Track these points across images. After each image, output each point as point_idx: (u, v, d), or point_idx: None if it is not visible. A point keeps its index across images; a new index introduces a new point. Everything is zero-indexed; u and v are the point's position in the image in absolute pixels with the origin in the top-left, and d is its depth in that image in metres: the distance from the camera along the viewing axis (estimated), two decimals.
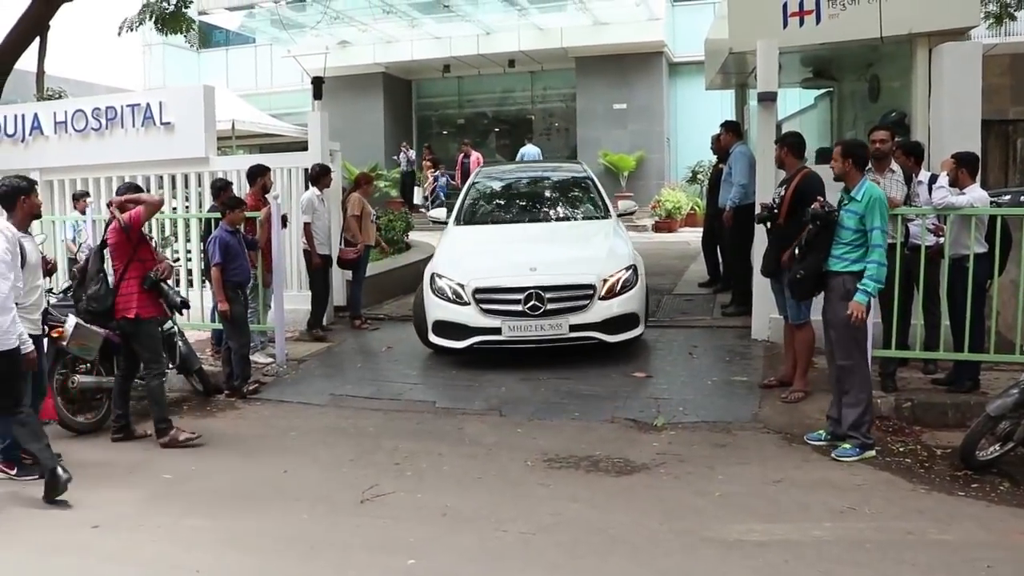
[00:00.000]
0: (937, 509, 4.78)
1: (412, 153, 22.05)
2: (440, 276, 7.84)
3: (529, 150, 20.78)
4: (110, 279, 6.37)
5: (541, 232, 8.88)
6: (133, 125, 10.21)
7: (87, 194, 9.85)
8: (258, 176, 8.83)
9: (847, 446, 5.66)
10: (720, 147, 9.91)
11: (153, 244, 6.82)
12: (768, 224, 6.88)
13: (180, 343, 7.41)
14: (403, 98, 24.86)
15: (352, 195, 9.90)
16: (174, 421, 6.52)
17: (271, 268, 8.52)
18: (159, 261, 6.46)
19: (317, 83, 10.83)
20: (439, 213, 9.82)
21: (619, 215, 9.24)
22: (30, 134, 10.77)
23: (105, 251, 6.47)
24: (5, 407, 5.30)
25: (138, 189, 6.81)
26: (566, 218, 9.28)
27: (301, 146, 11.55)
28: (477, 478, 5.41)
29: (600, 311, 7.54)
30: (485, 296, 7.53)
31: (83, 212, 9.25)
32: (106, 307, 6.26)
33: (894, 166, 6.82)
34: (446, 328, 7.75)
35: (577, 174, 10.14)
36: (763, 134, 8.00)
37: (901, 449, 5.79)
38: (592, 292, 7.52)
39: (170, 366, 7.39)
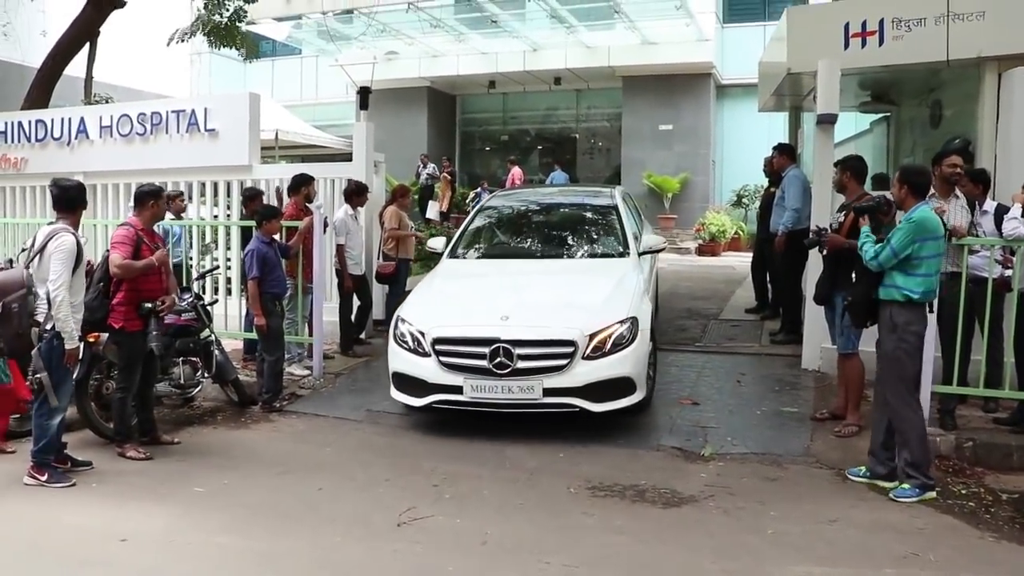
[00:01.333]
0: (1010, 561, 4.50)
1: (432, 167, 21.79)
2: (404, 320, 6.76)
3: (558, 176, 20.64)
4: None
5: (538, 271, 7.66)
6: (178, 131, 10.24)
7: (181, 194, 9.64)
8: (302, 185, 8.76)
9: (906, 486, 5.39)
10: (773, 170, 9.66)
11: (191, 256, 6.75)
12: (819, 249, 6.65)
13: (217, 352, 7.32)
14: (447, 113, 24.91)
15: (388, 208, 9.80)
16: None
17: (311, 277, 8.43)
18: (165, 291, 6.34)
19: (364, 92, 10.80)
20: (437, 243, 8.43)
21: (642, 253, 7.83)
22: (76, 138, 10.90)
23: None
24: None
25: (163, 194, 6.68)
26: (575, 255, 8.01)
27: (344, 157, 11.53)
28: (519, 504, 5.22)
29: (582, 374, 6.24)
30: (446, 348, 6.40)
31: (178, 214, 9.21)
32: (97, 318, 6.12)
33: (959, 192, 6.57)
34: (405, 382, 6.65)
35: (602, 201, 8.79)
36: (820, 157, 7.78)
37: (963, 492, 5.50)
38: (573, 350, 6.24)
39: (205, 375, 7.35)
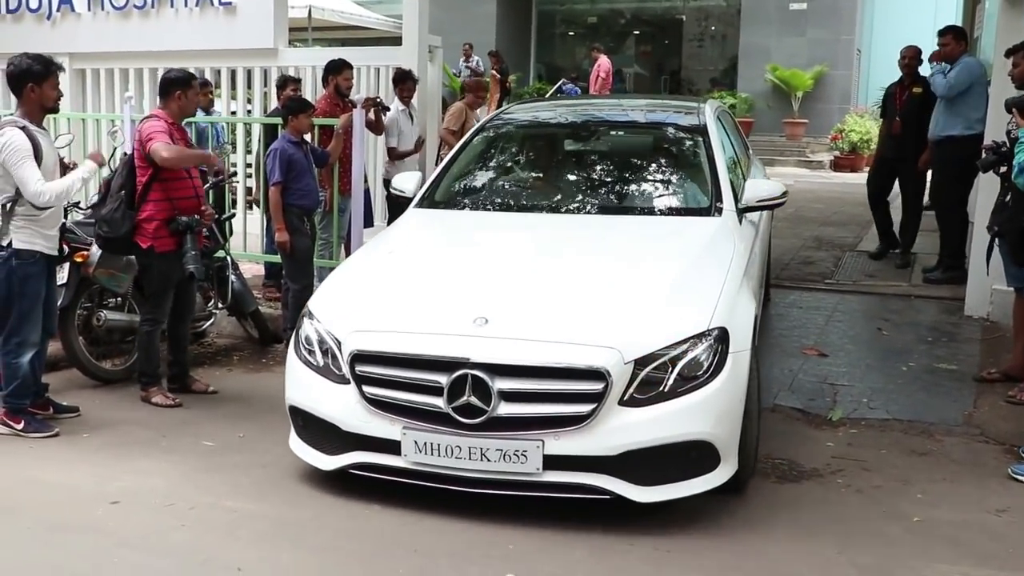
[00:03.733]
0: None
1: (476, 60, 21.25)
2: (312, 316, 4.99)
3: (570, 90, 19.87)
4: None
5: (560, 238, 5.76)
6: (186, 4, 10.19)
7: (208, 84, 9.59)
8: (331, 74, 8.70)
9: None
10: (944, 56, 9.15)
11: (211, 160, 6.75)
12: (996, 171, 6.34)
13: (233, 278, 7.37)
14: None
15: (455, 105, 9.69)
16: (216, 373, 6.50)
17: (349, 188, 8.38)
18: (202, 202, 6.35)
19: None
20: (405, 181, 6.54)
21: (744, 210, 5.90)
22: (58, 10, 10.83)
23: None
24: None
25: (195, 83, 6.58)
26: (628, 209, 6.11)
27: (393, 42, 11.40)
28: None
29: (618, 431, 4.34)
30: (373, 371, 4.56)
31: (207, 109, 9.19)
32: (120, 233, 6.09)
33: None
34: (307, 423, 4.91)
35: (681, 121, 7.01)
36: (1009, 42, 7.36)
37: None
38: (602, 387, 4.29)
39: (219, 306, 7.42)
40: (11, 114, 5.77)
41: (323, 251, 8.33)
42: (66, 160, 6.36)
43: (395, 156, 9.04)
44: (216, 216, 7.00)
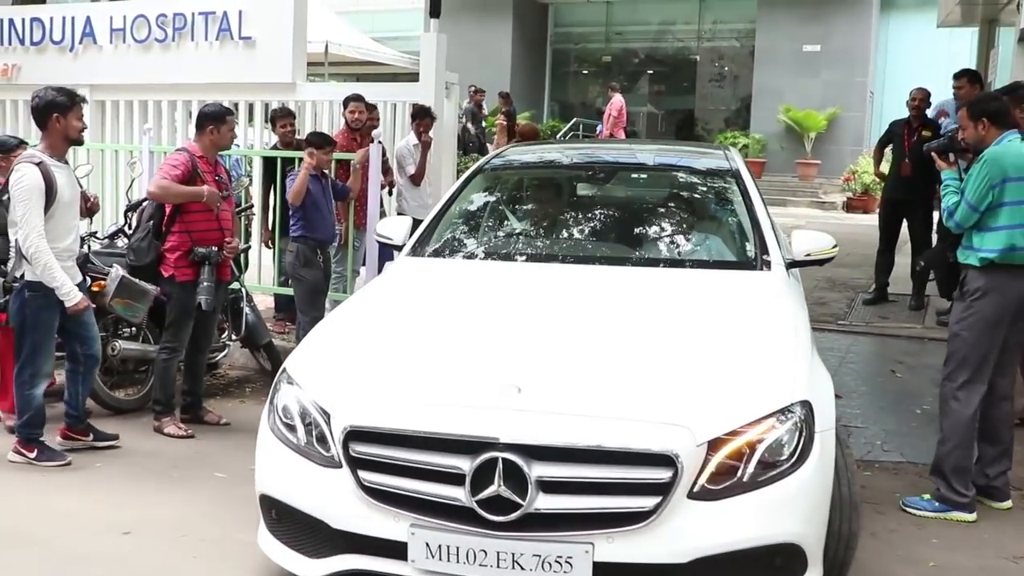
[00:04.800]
0: None
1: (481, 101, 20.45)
2: (291, 380, 4.07)
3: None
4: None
5: (587, 293, 4.84)
6: (206, 38, 10.29)
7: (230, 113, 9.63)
8: (343, 108, 8.82)
9: (926, 496, 5.31)
10: (960, 98, 9.11)
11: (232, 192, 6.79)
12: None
13: (247, 310, 7.38)
14: (537, 26, 24.72)
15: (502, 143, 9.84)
16: (228, 404, 6.52)
17: (364, 222, 8.42)
18: (228, 232, 6.41)
19: None
20: (392, 227, 5.75)
21: (791, 265, 5.13)
22: (80, 42, 10.95)
23: None
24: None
25: (229, 118, 6.60)
26: (660, 260, 5.25)
27: (409, 78, 11.49)
28: None
29: (690, 533, 3.47)
30: (374, 452, 3.65)
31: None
32: (144, 262, 6.26)
33: None
34: (283, 517, 3.96)
35: (710, 164, 6.24)
36: None
37: None
38: (671, 476, 3.42)
39: (233, 338, 7.44)
40: (34, 146, 5.82)
41: (337, 284, 8.36)
42: (87, 191, 6.42)
43: (415, 181, 9.14)
44: (243, 249, 7.08)
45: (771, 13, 21.36)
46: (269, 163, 8.88)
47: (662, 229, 5.67)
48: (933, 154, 5.59)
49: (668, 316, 4.45)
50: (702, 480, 3.45)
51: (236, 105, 10.27)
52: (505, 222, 5.97)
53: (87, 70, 10.84)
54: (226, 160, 8.90)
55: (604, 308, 4.56)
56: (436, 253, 5.39)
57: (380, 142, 8.49)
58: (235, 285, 7.35)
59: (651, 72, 25.16)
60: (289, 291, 8.23)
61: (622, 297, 4.72)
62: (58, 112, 5.57)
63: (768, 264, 4.99)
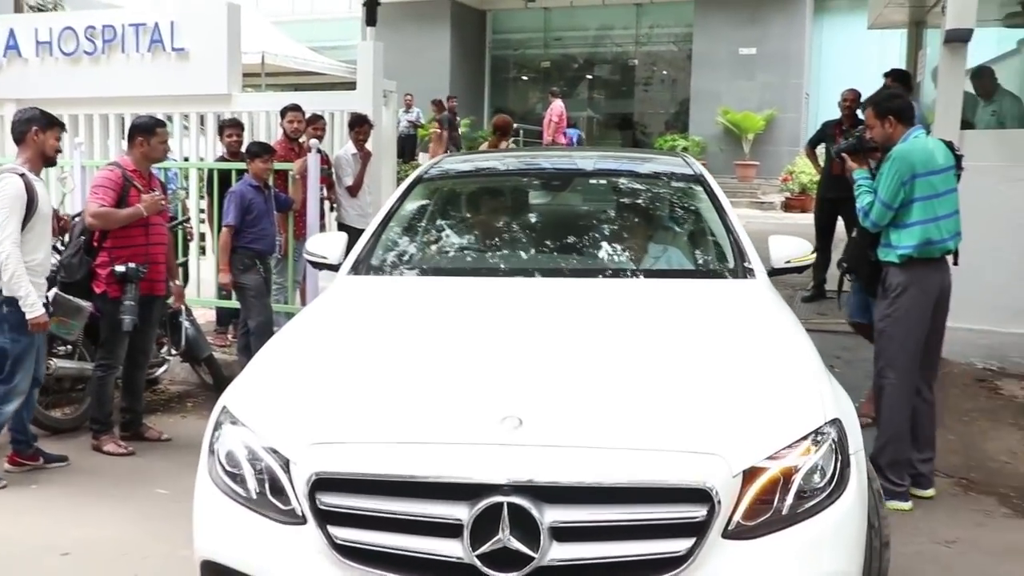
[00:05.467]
0: None
1: (417, 113, 21.03)
2: (234, 419, 3.32)
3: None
4: None
5: (567, 308, 4.19)
6: (137, 49, 10.18)
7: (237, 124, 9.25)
8: (281, 118, 8.76)
9: None
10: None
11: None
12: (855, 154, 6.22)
13: (187, 324, 7.29)
14: (475, 33, 24.74)
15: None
16: (169, 420, 6.44)
17: (303, 235, 8.36)
18: (156, 251, 6.32)
19: (371, 5, 10.65)
20: (323, 245, 5.05)
21: (772, 273, 4.67)
22: (4, 55, 10.75)
23: None
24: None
25: (159, 130, 6.48)
26: (641, 272, 4.66)
27: (347, 87, 11.44)
28: None
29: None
30: (346, 502, 2.98)
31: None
32: (75, 279, 6.17)
33: None
34: None
35: (670, 168, 5.63)
36: (948, 85, 7.56)
37: None
38: (706, 514, 2.84)
39: (172, 352, 7.34)
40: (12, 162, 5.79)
41: (278, 296, 8.29)
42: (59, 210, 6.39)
43: (352, 192, 9.07)
44: (180, 263, 7.02)
45: (707, 17, 21.57)
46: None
47: (633, 238, 5.09)
48: (844, 155, 5.70)
49: (665, 332, 3.84)
50: (737, 516, 2.87)
51: (170, 117, 10.17)
52: (457, 235, 5.25)
53: (12, 85, 10.66)
54: (161, 173, 8.82)
55: (592, 325, 3.92)
56: (382, 270, 4.70)
57: (319, 151, 8.45)
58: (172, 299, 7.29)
59: (590, 77, 25.28)
60: (229, 304, 8.22)
61: (608, 312, 4.09)
62: (37, 126, 5.64)
63: (751, 272, 4.50)
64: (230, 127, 8.92)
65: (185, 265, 8.49)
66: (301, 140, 8.78)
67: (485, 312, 4.15)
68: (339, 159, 9.05)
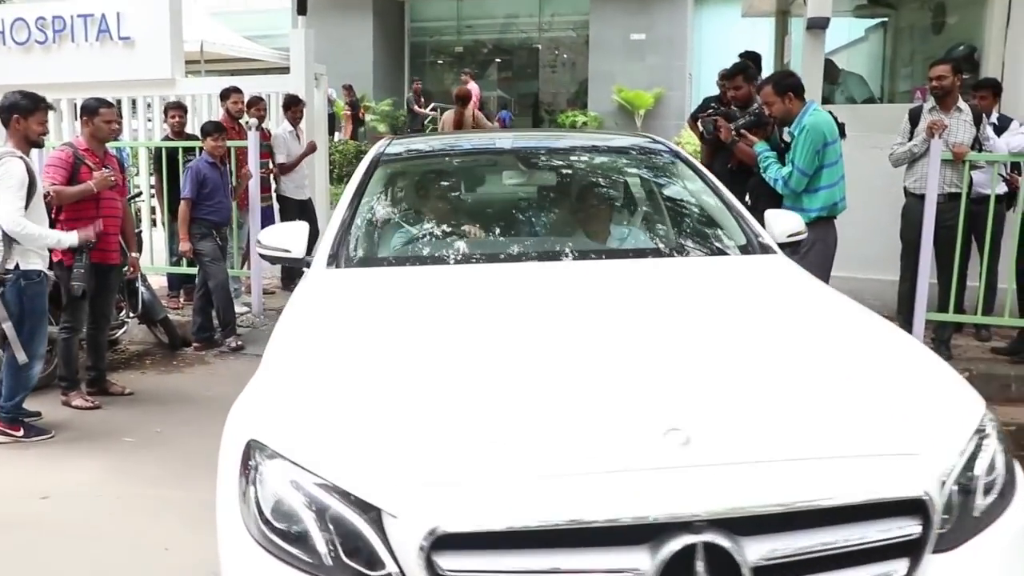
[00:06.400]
0: None
1: (332, 92, 19.59)
2: (274, 452, 2.22)
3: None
4: None
5: (609, 297, 3.25)
6: (86, 39, 9.93)
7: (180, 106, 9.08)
8: (223, 100, 8.70)
9: None
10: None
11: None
12: (706, 136, 6.34)
13: (142, 289, 7.22)
14: (395, 21, 24.41)
15: (446, 115, 10.14)
16: (130, 376, 6.42)
17: (246, 205, 8.31)
18: (115, 220, 6.20)
19: None
20: (289, 238, 3.94)
21: (786, 243, 3.92)
22: None
23: None
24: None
25: (103, 110, 6.29)
26: (660, 251, 3.88)
27: (280, 72, 11.30)
28: None
29: None
30: (478, 566, 1.95)
31: (260, 120, 8.86)
32: None
33: (962, 105, 6.62)
34: None
35: (649, 148, 4.69)
36: (809, 68, 7.77)
37: None
38: (920, 530, 2.05)
39: (131, 315, 7.26)
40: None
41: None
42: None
43: (284, 171, 8.98)
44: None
45: (602, 6, 21.60)
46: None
47: (633, 216, 4.33)
48: (743, 131, 5.82)
49: (747, 318, 3.00)
50: (946, 526, 2.13)
51: (119, 101, 9.94)
52: (445, 218, 4.20)
53: None
54: (119, 152, 8.68)
55: (664, 314, 3.02)
56: (369, 261, 3.67)
57: (260, 128, 8.42)
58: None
59: (499, 60, 25.16)
60: (180, 270, 8.22)
61: (665, 298, 3.22)
62: (19, 114, 5.46)
63: (768, 247, 3.74)
64: (174, 109, 8.77)
65: (139, 235, 8.36)
66: (242, 120, 8.72)
67: (522, 303, 3.13)
68: (276, 137, 8.98)
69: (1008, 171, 6.64)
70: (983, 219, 6.52)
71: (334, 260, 3.61)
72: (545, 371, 2.47)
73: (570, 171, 4.65)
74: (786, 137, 5.74)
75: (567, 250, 3.70)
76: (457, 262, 3.62)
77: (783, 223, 3.99)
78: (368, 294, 3.30)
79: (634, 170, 4.62)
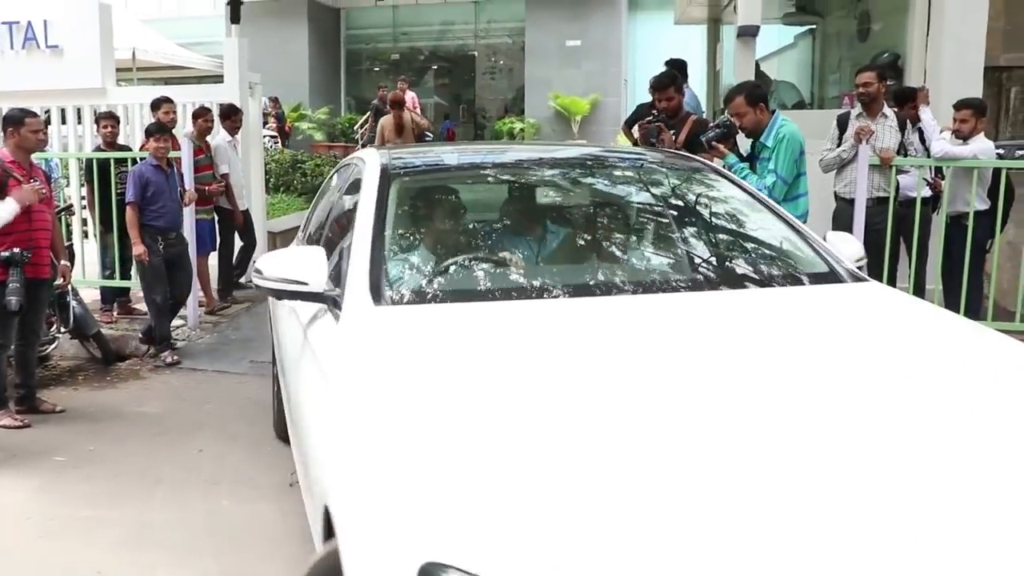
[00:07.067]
0: None
1: (266, 102, 20.03)
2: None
3: None
4: None
5: (731, 340, 2.72)
6: (12, 47, 9.68)
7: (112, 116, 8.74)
8: (154, 110, 8.53)
9: None
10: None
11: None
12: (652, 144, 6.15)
13: (74, 303, 7.03)
14: (331, 29, 24.25)
15: (384, 119, 10.37)
16: (61, 393, 6.29)
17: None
18: (40, 236, 6.02)
19: (234, 3, 10.37)
20: (303, 266, 3.13)
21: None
22: None
23: None
24: None
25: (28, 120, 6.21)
26: (746, 280, 3.35)
27: (215, 80, 11.14)
28: None
29: None
30: None
31: (206, 132, 8.68)
32: None
33: (887, 111, 6.75)
34: None
35: (681, 164, 4.28)
36: (740, 75, 7.88)
37: None
38: None
39: (62, 330, 7.08)
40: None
41: None
42: None
43: (228, 183, 8.83)
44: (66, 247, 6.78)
45: (537, 13, 21.69)
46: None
47: (699, 240, 3.74)
48: (714, 144, 5.75)
49: (903, 368, 2.52)
50: None
51: (48, 111, 9.71)
52: (494, 243, 3.66)
53: None
54: (43, 164, 8.46)
55: (797, 365, 2.51)
56: (428, 296, 3.01)
57: (192, 139, 8.26)
58: (59, 280, 7.01)
59: (436, 67, 25.14)
60: (112, 283, 8.14)
61: (790, 341, 2.73)
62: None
63: (854, 275, 3.34)
64: (105, 119, 8.57)
65: (71, 248, 8.15)
66: (185, 132, 8.57)
67: (646, 351, 2.58)
68: (216, 148, 8.82)
69: (932, 175, 6.80)
70: (910, 222, 6.66)
71: (378, 294, 2.94)
72: (740, 454, 1.94)
73: (605, 193, 4.13)
74: (744, 149, 5.75)
75: (657, 280, 3.29)
76: (533, 296, 3.04)
77: (848, 248, 3.55)
78: (460, 344, 2.65)
79: (686, 191, 4.05)
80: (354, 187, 3.82)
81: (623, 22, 21.63)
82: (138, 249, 7.16)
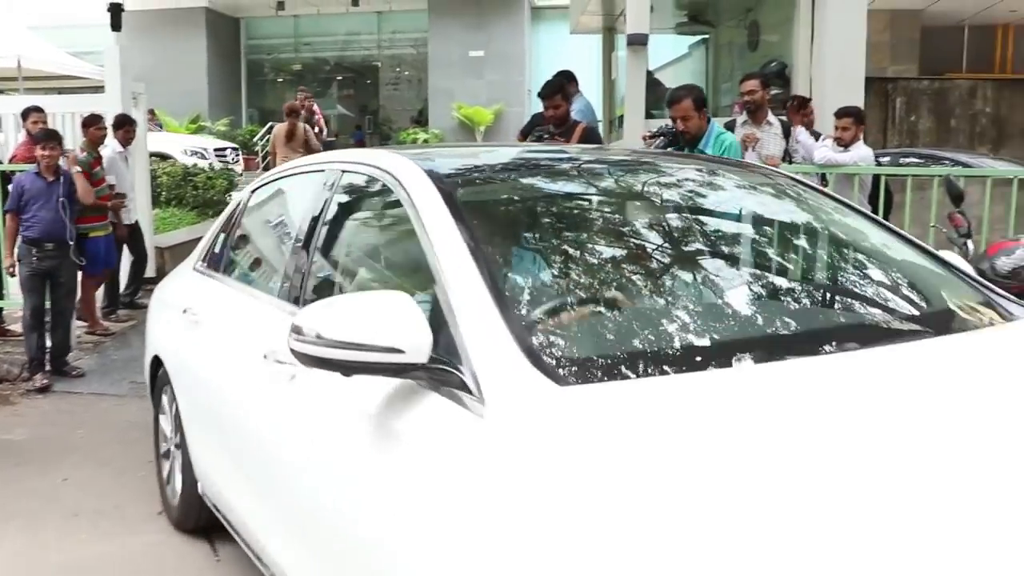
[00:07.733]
0: None
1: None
2: None
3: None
4: None
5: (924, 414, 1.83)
6: None
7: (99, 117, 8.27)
8: (24, 120, 8.09)
9: None
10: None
11: None
12: None
13: None
14: (230, 39, 23.74)
15: (278, 127, 10.47)
16: None
17: None
18: None
19: (115, 10, 9.98)
20: (367, 320, 2.00)
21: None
22: None
23: None
24: None
25: None
26: (915, 329, 2.48)
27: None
28: None
29: None
30: None
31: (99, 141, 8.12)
32: None
33: (771, 119, 6.79)
34: None
35: (768, 181, 3.32)
36: (632, 83, 7.86)
37: None
38: None
39: None
40: None
41: None
42: None
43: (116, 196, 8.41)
44: None
45: (440, 23, 21.59)
46: None
47: (840, 277, 2.99)
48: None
49: None
50: None
51: None
52: (653, 286, 2.58)
53: None
54: None
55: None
56: (617, 370, 2.01)
57: (70, 154, 7.87)
58: None
59: (340, 78, 24.85)
60: None
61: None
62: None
63: (1010, 314, 2.66)
64: None
65: None
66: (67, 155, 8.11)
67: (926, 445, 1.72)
68: (108, 160, 8.40)
69: (819, 181, 6.85)
70: None
71: (539, 366, 1.94)
72: None
73: (736, 206, 3.22)
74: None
75: (871, 329, 2.48)
76: (741, 359, 2.10)
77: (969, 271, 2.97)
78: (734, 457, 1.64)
79: (797, 214, 3.17)
80: (372, 206, 2.99)
81: (526, 32, 21.68)
82: (6, 262, 6.77)
